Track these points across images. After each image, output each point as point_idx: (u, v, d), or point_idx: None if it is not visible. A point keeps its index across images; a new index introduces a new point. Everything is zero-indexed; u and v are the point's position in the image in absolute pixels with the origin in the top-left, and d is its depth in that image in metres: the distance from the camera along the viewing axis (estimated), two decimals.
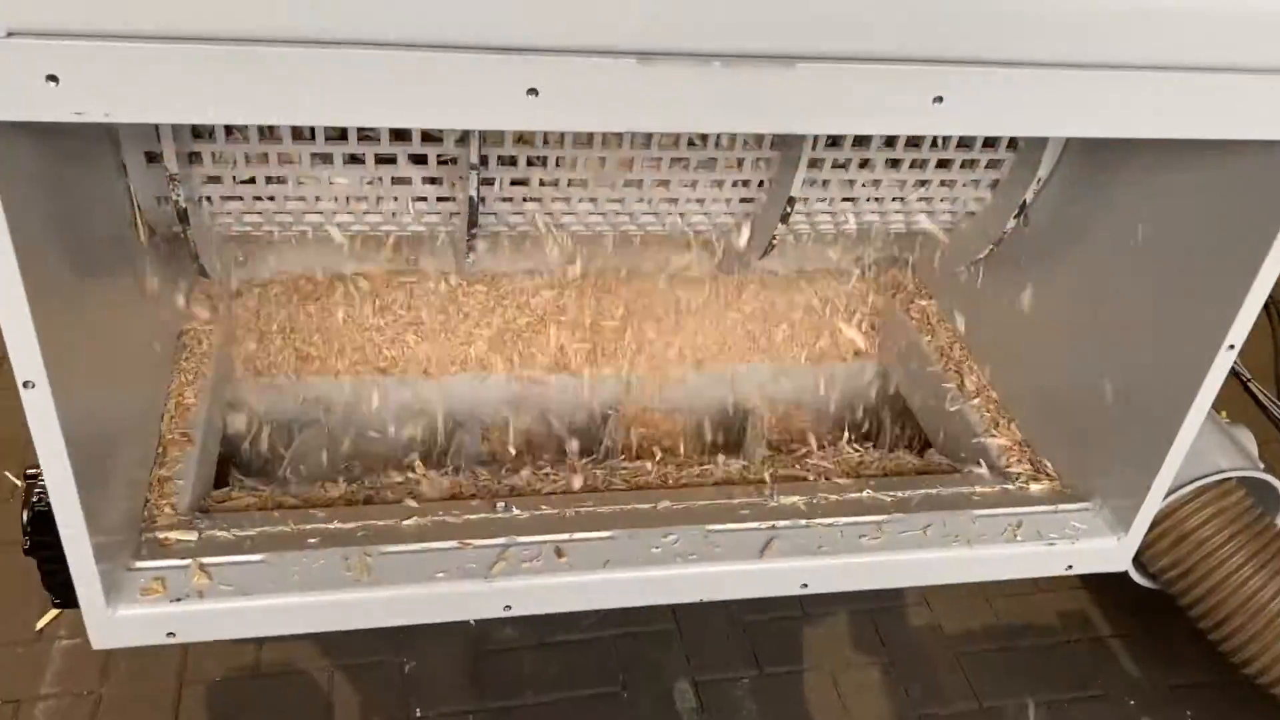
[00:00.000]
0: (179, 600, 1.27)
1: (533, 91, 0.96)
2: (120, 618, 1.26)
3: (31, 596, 2.00)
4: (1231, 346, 1.31)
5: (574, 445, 1.80)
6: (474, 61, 0.94)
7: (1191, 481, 2.03)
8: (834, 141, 1.55)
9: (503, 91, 0.96)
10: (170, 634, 1.29)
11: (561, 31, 0.95)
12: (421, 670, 2.34)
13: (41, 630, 2.29)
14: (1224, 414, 2.43)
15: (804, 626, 2.52)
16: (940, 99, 1.04)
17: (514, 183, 1.53)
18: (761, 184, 1.62)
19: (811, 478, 1.65)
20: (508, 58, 0.94)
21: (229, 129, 1.39)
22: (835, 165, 1.58)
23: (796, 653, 2.46)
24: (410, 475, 1.58)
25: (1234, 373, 3.08)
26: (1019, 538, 1.51)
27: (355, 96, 0.93)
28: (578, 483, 1.59)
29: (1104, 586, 2.64)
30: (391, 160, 1.47)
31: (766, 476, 1.61)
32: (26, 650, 2.28)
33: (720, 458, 1.65)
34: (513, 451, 1.71)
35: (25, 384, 1.03)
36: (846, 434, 2.09)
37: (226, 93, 0.92)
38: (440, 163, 1.48)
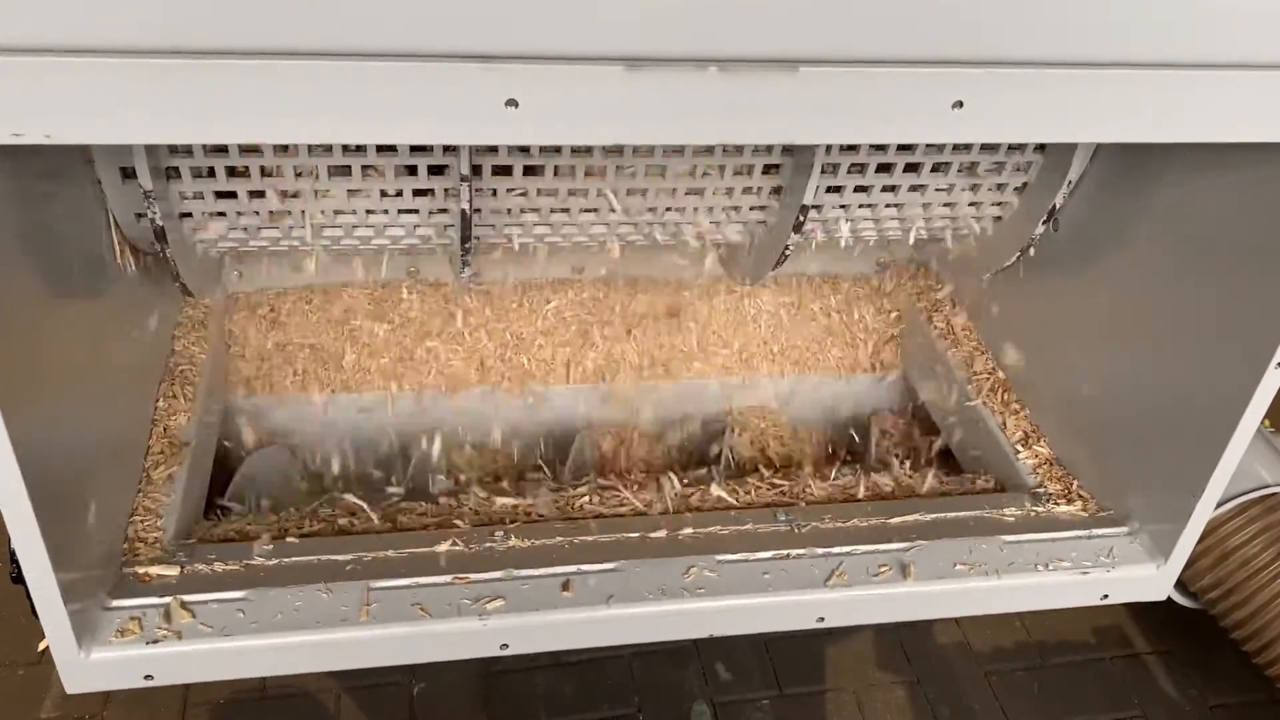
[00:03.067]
0: (155, 643, 1.21)
1: (512, 103, 0.89)
2: (94, 661, 1.20)
3: (34, 618, 1.97)
4: None
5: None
6: (447, 71, 0.86)
7: (1234, 497, 1.93)
8: (849, 145, 1.45)
9: (479, 103, 0.88)
10: (147, 676, 1.23)
11: (542, 37, 0.87)
12: (431, 692, 2.28)
13: (43, 652, 2.24)
14: (1267, 423, 2.31)
15: (827, 644, 2.44)
16: (960, 104, 0.96)
17: (510, 193, 1.45)
18: (774, 191, 1.53)
19: (830, 499, 1.56)
20: (484, 66, 0.86)
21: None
22: (851, 170, 1.49)
23: (819, 672, 2.38)
24: (407, 502, 1.50)
25: None
26: (1050, 566, 1.41)
27: (313, 111, 0.85)
28: (579, 504, 1.51)
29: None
30: (380, 172, 1.39)
31: (781, 499, 1.52)
32: (28, 673, 2.24)
33: (732, 480, 1.56)
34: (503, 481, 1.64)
35: None
36: (869, 448, 2.00)
37: (179, 110, 0.84)
38: (432, 173, 1.40)
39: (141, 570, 1.30)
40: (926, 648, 2.46)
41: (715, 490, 1.53)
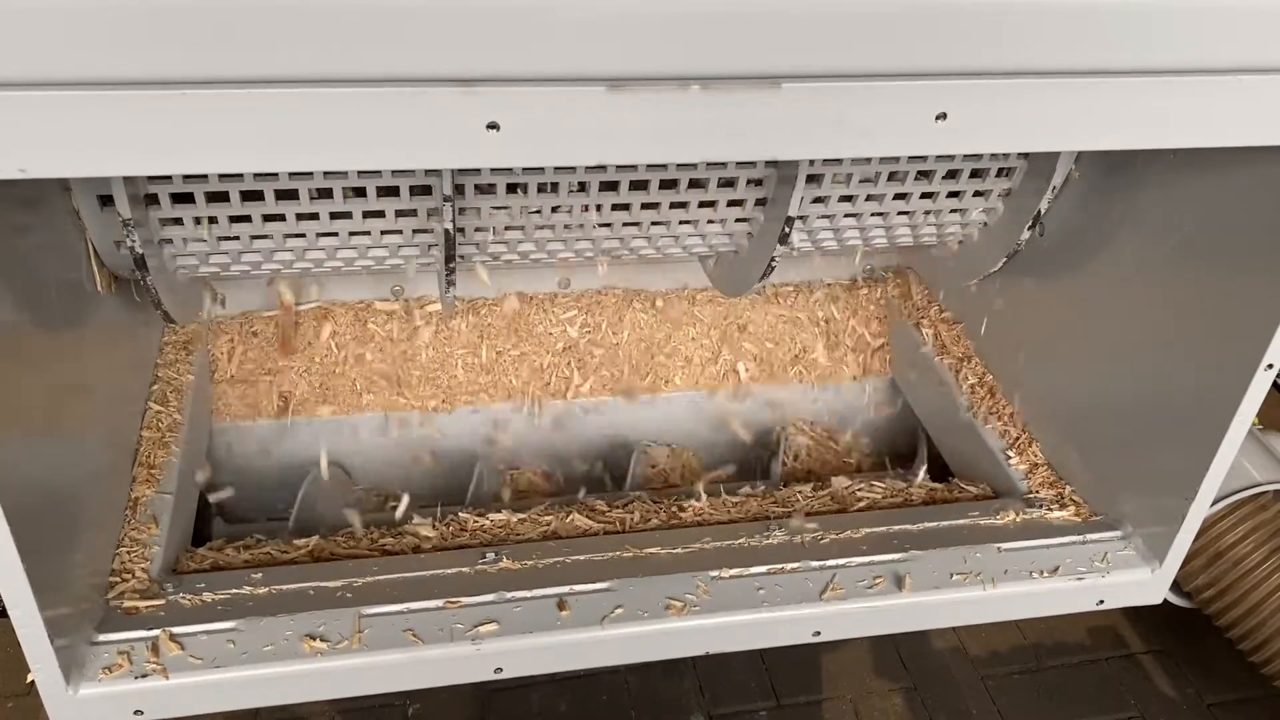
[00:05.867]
0: (144, 677, 1.19)
1: (493, 126, 0.88)
2: (82, 698, 1.19)
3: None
4: (1270, 366, 1.20)
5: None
6: (427, 96, 0.85)
7: (1226, 496, 1.92)
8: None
9: (460, 127, 0.87)
10: (137, 712, 1.21)
11: (523, 60, 0.86)
12: (427, 712, 2.26)
13: (32, 683, 2.21)
14: (1257, 421, 2.32)
15: (823, 652, 2.43)
16: (944, 115, 0.95)
17: (494, 210, 1.44)
18: (759, 202, 1.52)
19: (822, 509, 1.55)
20: (464, 90, 0.85)
21: None
22: (835, 180, 1.48)
23: (815, 681, 2.37)
24: (399, 526, 1.49)
25: None
26: (1045, 573, 1.41)
27: (291, 139, 0.84)
28: (571, 522, 1.50)
29: None
30: (362, 193, 1.38)
31: (772, 514, 1.52)
32: (17, 704, 2.21)
33: (722, 494, 1.55)
34: (506, 496, 1.62)
35: None
36: (859, 460, 2.00)
37: (155, 142, 0.83)
38: (414, 193, 1.39)
39: (129, 603, 1.28)
40: (923, 653, 2.45)
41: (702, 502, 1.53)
